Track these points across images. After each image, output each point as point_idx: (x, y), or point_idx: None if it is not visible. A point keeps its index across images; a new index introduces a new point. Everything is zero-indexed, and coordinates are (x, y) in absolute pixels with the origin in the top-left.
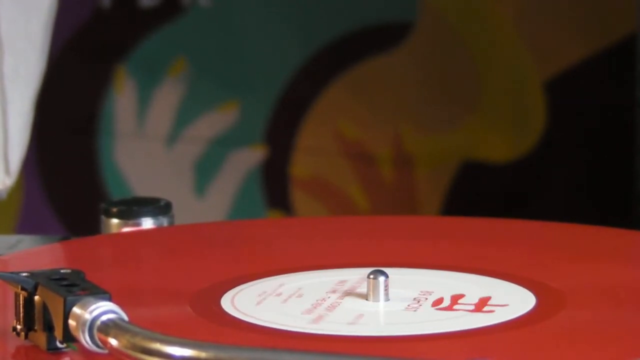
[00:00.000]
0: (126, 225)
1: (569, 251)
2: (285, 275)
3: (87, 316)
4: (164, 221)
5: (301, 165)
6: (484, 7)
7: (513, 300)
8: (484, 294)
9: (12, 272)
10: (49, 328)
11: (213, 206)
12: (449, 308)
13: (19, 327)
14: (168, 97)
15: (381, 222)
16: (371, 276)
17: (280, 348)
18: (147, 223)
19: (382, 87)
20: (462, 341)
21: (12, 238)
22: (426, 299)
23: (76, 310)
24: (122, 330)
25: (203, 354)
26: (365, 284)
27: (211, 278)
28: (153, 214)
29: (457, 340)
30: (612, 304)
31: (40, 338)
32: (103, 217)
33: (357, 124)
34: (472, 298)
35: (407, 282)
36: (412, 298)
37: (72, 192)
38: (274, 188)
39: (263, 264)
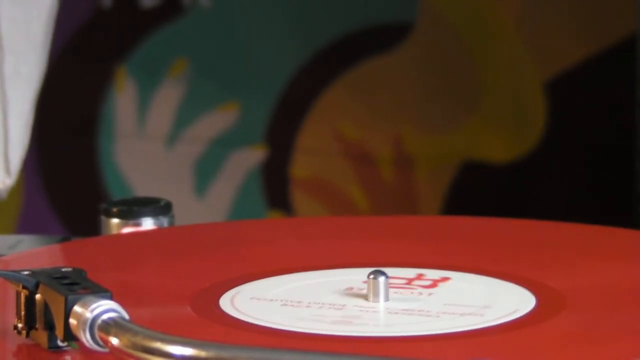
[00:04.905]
0: (126, 225)
1: (569, 251)
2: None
3: (88, 315)
4: (164, 221)
5: (301, 166)
6: (484, 7)
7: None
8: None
9: (13, 271)
10: (50, 327)
11: (213, 206)
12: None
13: (20, 325)
14: (168, 97)
15: (381, 222)
16: (371, 276)
17: (280, 348)
18: (148, 223)
19: (382, 87)
20: (462, 341)
21: (12, 238)
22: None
23: (77, 308)
24: (123, 329)
25: (203, 353)
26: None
27: (211, 278)
28: (153, 214)
29: (457, 340)
30: (612, 304)
31: (42, 336)
32: (103, 217)
33: (357, 124)
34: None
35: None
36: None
37: (72, 192)
38: (274, 188)
39: (263, 264)
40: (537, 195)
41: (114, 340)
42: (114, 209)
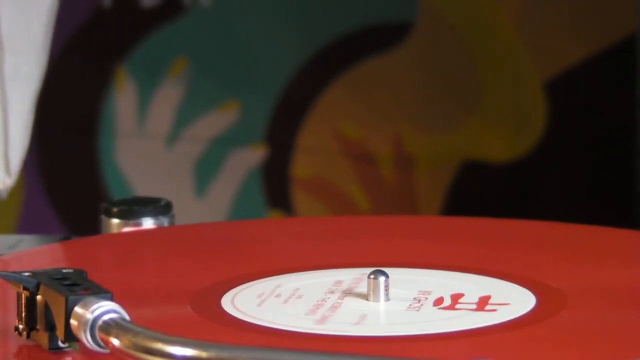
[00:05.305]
0: (127, 225)
1: (569, 251)
2: (285, 275)
3: (89, 316)
4: (165, 221)
5: (301, 165)
6: (484, 7)
7: (513, 300)
8: (484, 294)
9: (14, 272)
10: (50, 328)
11: (213, 206)
12: (451, 307)
13: (21, 326)
14: (168, 97)
15: (381, 222)
16: (371, 276)
17: (280, 348)
18: (148, 223)
19: (382, 87)
20: (462, 341)
21: (13, 238)
22: (426, 298)
23: (78, 309)
24: (124, 330)
25: (204, 354)
26: (365, 284)
27: (211, 278)
28: (153, 214)
29: (457, 340)
30: (612, 304)
31: (42, 338)
32: (103, 217)
33: (357, 124)
34: (472, 297)
35: (407, 282)
36: (412, 298)
37: (72, 192)
38: (275, 188)
39: (263, 264)
40: (537, 195)
41: (115, 341)
42: (114, 209)
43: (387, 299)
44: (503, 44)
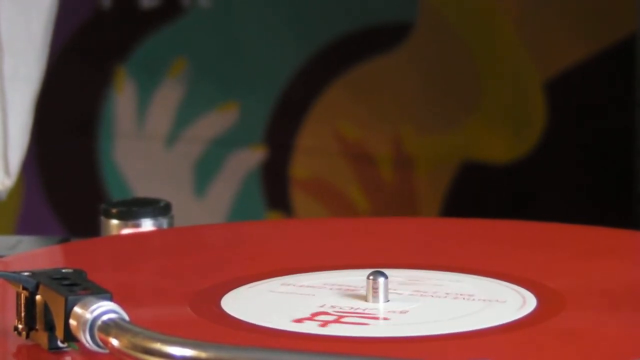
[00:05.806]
0: (126, 226)
1: (569, 251)
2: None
3: (88, 316)
4: (164, 222)
5: (301, 166)
6: (484, 7)
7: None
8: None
9: (13, 272)
10: (50, 327)
11: (213, 207)
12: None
13: (20, 326)
14: (168, 97)
15: (381, 222)
16: (371, 277)
17: (280, 348)
18: (147, 224)
19: (382, 87)
20: (462, 341)
21: (12, 239)
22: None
23: (77, 309)
24: (123, 330)
25: (204, 354)
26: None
27: (211, 278)
28: (153, 215)
29: (457, 340)
30: (612, 305)
31: (42, 337)
32: (103, 218)
33: (357, 124)
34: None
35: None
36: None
37: (71, 193)
38: (274, 189)
39: (263, 265)
40: (537, 195)
41: (114, 341)
42: (114, 210)
43: (387, 299)
44: (503, 44)
